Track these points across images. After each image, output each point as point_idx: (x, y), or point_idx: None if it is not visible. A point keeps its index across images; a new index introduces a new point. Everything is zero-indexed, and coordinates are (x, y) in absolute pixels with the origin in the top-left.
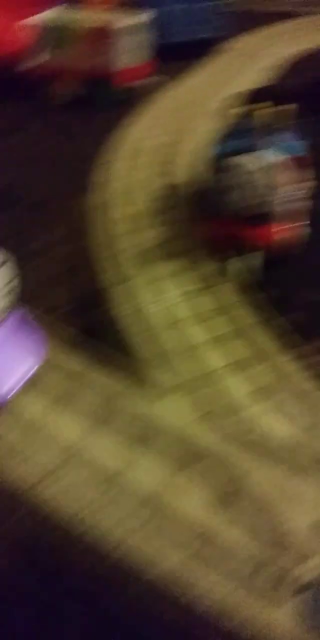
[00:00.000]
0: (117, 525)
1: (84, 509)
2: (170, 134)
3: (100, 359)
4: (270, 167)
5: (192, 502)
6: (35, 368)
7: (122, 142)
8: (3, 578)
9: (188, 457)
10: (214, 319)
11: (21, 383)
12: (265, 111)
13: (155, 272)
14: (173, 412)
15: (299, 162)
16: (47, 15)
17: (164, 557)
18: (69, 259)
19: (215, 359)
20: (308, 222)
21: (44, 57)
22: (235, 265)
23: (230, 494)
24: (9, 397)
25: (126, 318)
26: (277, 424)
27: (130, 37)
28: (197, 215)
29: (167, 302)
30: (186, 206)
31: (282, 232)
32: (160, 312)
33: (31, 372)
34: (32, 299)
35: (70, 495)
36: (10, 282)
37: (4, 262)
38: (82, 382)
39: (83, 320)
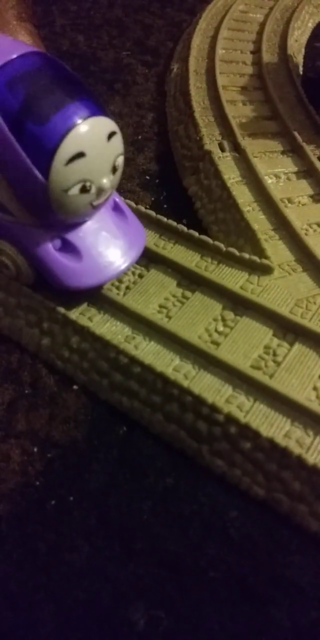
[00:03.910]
0: None
1: None
2: (281, 11)
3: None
4: None
5: None
6: (142, 249)
7: (225, 11)
8: None
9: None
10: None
11: (125, 267)
12: None
13: (265, 146)
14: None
15: None
16: None
17: None
18: (158, 123)
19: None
20: None
21: None
22: None
23: None
24: (125, 269)
25: (232, 187)
26: None
27: None
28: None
29: (279, 178)
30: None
31: None
32: (274, 185)
33: (139, 253)
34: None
35: None
36: (119, 155)
37: (113, 133)
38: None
39: (171, 189)
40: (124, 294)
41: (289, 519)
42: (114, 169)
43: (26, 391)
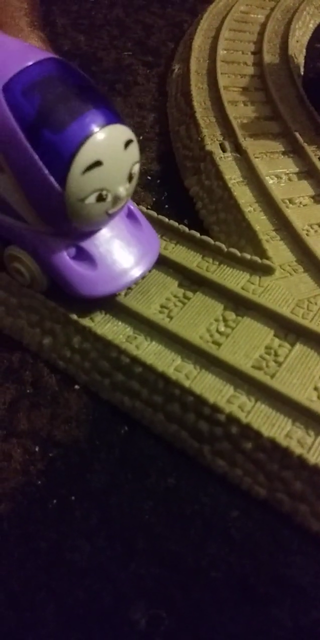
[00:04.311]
0: None
1: None
2: (282, 12)
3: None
4: None
5: None
6: (156, 256)
7: (226, 11)
8: None
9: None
10: None
11: (140, 274)
12: None
13: (267, 146)
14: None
15: None
16: None
17: None
18: (159, 124)
19: None
20: None
21: None
22: None
23: None
24: (139, 277)
25: (234, 187)
26: None
27: None
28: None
29: (281, 179)
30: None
31: None
32: (275, 186)
33: (153, 261)
34: None
35: None
36: (135, 163)
37: (130, 141)
38: None
39: (173, 189)
40: (126, 294)
41: (291, 519)
42: (130, 177)
43: (28, 391)
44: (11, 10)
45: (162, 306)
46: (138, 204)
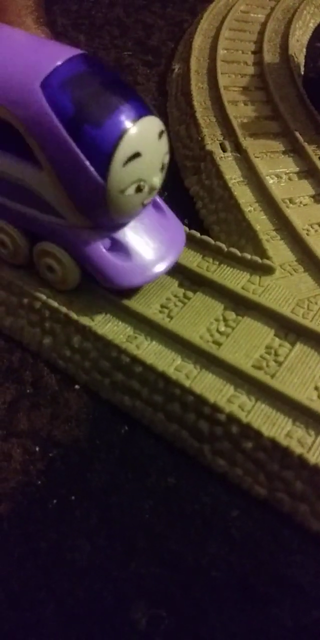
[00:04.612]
0: None
1: None
2: (282, 11)
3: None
4: None
5: None
6: (183, 244)
7: (226, 11)
8: None
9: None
10: None
11: (171, 263)
12: None
13: (267, 146)
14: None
15: None
16: None
17: None
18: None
19: None
20: None
21: None
22: None
23: None
24: (172, 264)
25: (234, 187)
26: None
27: None
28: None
29: (281, 178)
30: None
31: None
32: (275, 185)
33: (181, 249)
34: None
35: None
36: (167, 154)
37: (162, 132)
38: None
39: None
40: (126, 294)
41: (291, 518)
42: (163, 167)
43: (28, 390)
44: (18, 8)
45: (162, 306)
46: None
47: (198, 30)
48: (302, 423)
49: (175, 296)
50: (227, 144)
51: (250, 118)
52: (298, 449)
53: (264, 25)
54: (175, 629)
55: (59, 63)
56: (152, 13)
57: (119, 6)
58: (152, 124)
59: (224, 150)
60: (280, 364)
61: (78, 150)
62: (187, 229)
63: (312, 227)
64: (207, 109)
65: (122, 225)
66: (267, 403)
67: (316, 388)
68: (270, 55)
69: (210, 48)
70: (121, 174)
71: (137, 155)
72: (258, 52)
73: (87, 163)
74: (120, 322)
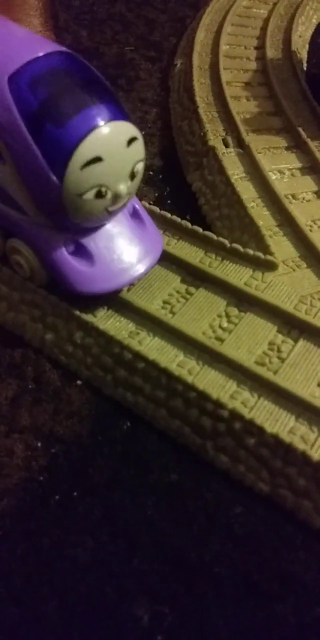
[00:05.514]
0: None
1: None
2: (285, 7)
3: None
4: None
5: None
6: (158, 257)
7: (229, 6)
8: None
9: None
10: None
11: (139, 275)
12: None
13: (269, 142)
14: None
15: None
16: None
17: None
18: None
19: None
20: None
21: None
22: None
23: None
24: (139, 277)
25: (236, 183)
26: None
27: None
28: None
29: (283, 174)
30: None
31: None
32: (278, 181)
33: (154, 262)
34: None
35: None
36: (138, 162)
37: (133, 139)
38: None
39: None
40: (128, 290)
41: (294, 515)
42: (133, 175)
43: (30, 386)
44: (27, 8)
45: (164, 302)
46: (140, 199)
47: (200, 25)
48: (305, 419)
49: (178, 292)
50: (229, 139)
51: (253, 114)
52: (301, 446)
53: (266, 20)
54: (178, 626)
55: (31, 58)
56: (154, 8)
57: (121, 1)
58: (121, 130)
59: (227, 146)
60: (283, 360)
61: (36, 149)
62: (189, 224)
63: (315, 223)
64: (209, 104)
65: (91, 230)
66: (270, 399)
67: (319, 384)
68: (272, 51)
69: (212, 43)
70: (79, 177)
71: (97, 159)
72: (260, 47)
73: (44, 163)
74: (122, 318)
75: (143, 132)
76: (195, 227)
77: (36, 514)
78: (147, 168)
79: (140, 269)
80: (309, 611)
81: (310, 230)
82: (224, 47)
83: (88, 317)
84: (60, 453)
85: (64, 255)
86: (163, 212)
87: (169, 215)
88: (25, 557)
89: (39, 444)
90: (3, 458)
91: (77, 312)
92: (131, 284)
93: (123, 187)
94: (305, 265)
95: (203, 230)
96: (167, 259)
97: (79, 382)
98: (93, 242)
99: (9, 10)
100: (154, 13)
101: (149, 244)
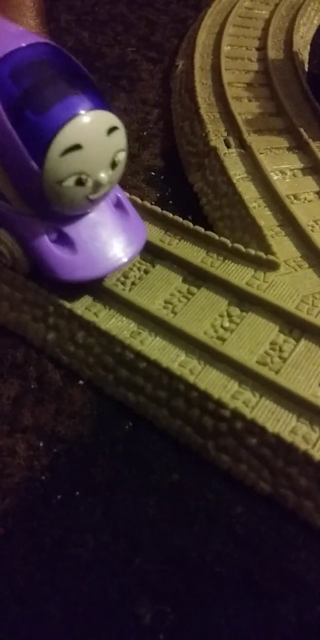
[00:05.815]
0: None
1: None
2: (286, 8)
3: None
4: None
5: None
6: (141, 247)
7: (230, 7)
8: None
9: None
10: None
11: (121, 264)
12: None
13: (271, 142)
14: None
15: None
16: None
17: None
18: (163, 120)
19: None
20: None
21: None
22: None
23: None
24: (121, 265)
25: (238, 183)
26: None
27: None
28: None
29: (285, 174)
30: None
31: None
32: (280, 182)
33: (137, 251)
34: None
35: None
36: (119, 151)
37: (114, 128)
38: None
39: (176, 186)
40: (130, 290)
41: (295, 514)
42: (114, 164)
43: (32, 386)
44: (24, 9)
45: (166, 302)
46: (142, 199)
47: (202, 26)
48: (307, 419)
49: (180, 292)
50: (231, 140)
51: (255, 114)
52: (303, 445)
53: (268, 21)
54: (180, 625)
55: (13, 48)
56: (155, 9)
57: (122, 2)
58: (102, 119)
59: (228, 147)
60: (284, 360)
61: (16, 136)
62: (190, 224)
63: (316, 223)
64: (211, 105)
65: (72, 218)
66: (272, 399)
67: None
68: (274, 52)
69: (214, 44)
70: (58, 164)
71: (77, 147)
72: (262, 48)
73: (25, 150)
74: (124, 318)
75: (144, 133)
76: (197, 227)
77: (38, 513)
78: (148, 169)
79: (123, 258)
80: (310, 611)
81: (312, 231)
82: (225, 48)
83: (90, 317)
84: (62, 453)
85: (46, 243)
86: (165, 213)
87: (170, 215)
88: (27, 556)
89: (41, 444)
90: (5, 457)
91: (79, 312)
92: (112, 272)
93: (104, 176)
94: (307, 265)
95: (205, 230)
96: (168, 259)
97: (81, 382)
98: (75, 230)
99: (5, 10)
100: (155, 14)
101: (133, 233)
